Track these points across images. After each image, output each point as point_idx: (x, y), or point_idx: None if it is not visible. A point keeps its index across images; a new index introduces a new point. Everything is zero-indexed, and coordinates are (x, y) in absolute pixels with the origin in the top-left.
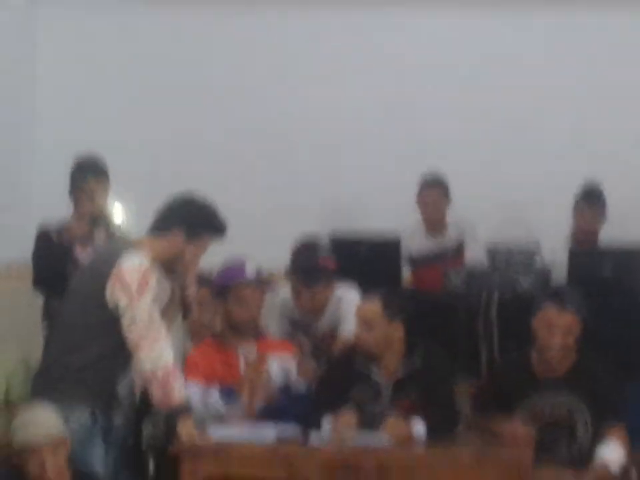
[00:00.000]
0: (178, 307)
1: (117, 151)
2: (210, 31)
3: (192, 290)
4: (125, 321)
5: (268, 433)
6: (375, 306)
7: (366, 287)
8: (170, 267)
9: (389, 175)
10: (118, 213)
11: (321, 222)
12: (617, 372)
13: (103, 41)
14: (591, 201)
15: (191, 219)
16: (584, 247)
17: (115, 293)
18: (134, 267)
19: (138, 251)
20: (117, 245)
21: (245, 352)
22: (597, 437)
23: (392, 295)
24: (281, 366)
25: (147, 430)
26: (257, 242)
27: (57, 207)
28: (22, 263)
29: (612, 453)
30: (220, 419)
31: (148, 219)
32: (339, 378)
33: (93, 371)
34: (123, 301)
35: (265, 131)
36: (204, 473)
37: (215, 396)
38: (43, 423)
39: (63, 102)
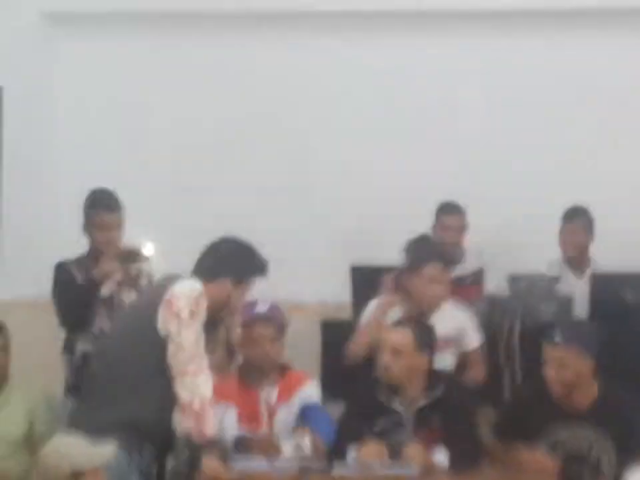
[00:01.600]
0: (223, 350)
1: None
2: (223, 53)
3: (237, 332)
4: (172, 347)
5: (290, 463)
6: (406, 335)
7: None
8: (216, 311)
9: (403, 203)
10: (147, 251)
11: (341, 252)
12: None
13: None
14: (571, 216)
15: (238, 267)
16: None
17: (166, 319)
18: (186, 292)
19: (190, 279)
20: (168, 277)
21: (266, 396)
22: (622, 473)
23: (422, 325)
24: (301, 401)
25: (171, 464)
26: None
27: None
28: (44, 297)
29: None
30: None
31: (175, 256)
32: (362, 408)
33: (147, 413)
34: (173, 327)
35: (285, 163)
36: None
37: (232, 418)
38: (80, 451)
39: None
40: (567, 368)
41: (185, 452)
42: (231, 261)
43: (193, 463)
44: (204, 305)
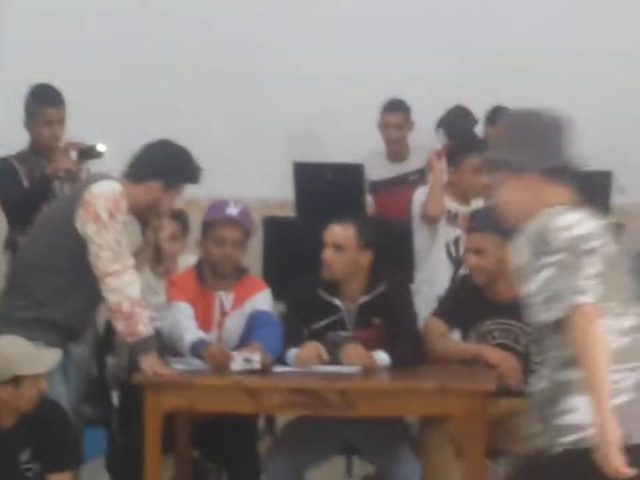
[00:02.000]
0: (149, 252)
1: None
2: None
3: (165, 233)
4: (93, 249)
5: (232, 365)
6: (348, 231)
7: (330, 212)
8: (143, 214)
9: (348, 102)
10: (101, 148)
11: (284, 150)
12: None
13: None
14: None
15: (169, 171)
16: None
17: (84, 220)
18: (105, 193)
19: (111, 179)
20: (93, 176)
21: (222, 300)
22: None
23: (365, 221)
24: (252, 309)
25: (111, 362)
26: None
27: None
28: None
29: None
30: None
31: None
32: (303, 306)
33: (55, 304)
34: (91, 228)
35: (229, 64)
36: (167, 406)
37: (189, 314)
38: (23, 357)
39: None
40: (485, 255)
41: (124, 351)
42: (163, 165)
43: (132, 363)
44: (123, 206)
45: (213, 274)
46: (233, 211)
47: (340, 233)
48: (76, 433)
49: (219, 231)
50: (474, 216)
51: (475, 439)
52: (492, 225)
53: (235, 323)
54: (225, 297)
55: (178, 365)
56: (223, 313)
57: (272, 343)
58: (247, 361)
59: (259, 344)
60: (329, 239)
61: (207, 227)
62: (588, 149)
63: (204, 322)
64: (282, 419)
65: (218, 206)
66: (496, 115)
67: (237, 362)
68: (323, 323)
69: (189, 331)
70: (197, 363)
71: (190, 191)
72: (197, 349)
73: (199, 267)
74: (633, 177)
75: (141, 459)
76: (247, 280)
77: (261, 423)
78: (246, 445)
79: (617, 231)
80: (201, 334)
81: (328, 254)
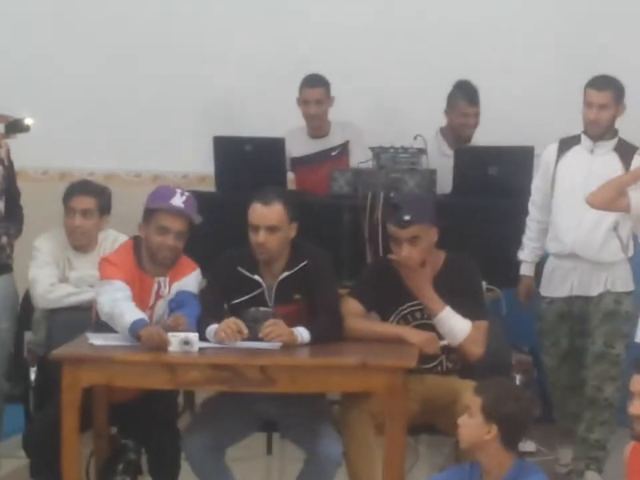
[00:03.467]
0: None
1: None
2: None
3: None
4: None
5: (170, 347)
6: (278, 210)
7: (250, 186)
8: None
9: (270, 77)
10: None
11: (204, 124)
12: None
13: None
14: (464, 93)
15: None
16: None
17: None
18: None
19: None
20: None
21: (161, 284)
22: None
23: (288, 195)
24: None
25: (28, 337)
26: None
27: None
28: None
29: (459, 324)
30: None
31: None
32: (223, 284)
33: None
34: None
35: (145, 39)
36: (85, 381)
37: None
38: None
39: None
40: (419, 244)
41: (42, 327)
42: None
43: (50, 337)
44: None
45: (151, 260)
46: (178, 201)
47: (271, 214)
48: None
49: (162, 220)
50: (405, 207)
51: (395, 415)
52: (425, 213)
53: (164, 306)
54: (163, 283)
55: (97, 340)
56: (158, 297)
57: (192, 316)
58: (186, 343)
59: (181, 316)
60: (259, 221)
61: (150, 213)
62: (511, 125)
63: (139, 304)
64: (201, 395)
65: (163, 194)
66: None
67: (175, 344)
68: (244, 298)
69: (131, 310)
70: (118, 339)
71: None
72: (136, 329)
73: (136, 249)
74: None
75: (58, 436)
76: (181, 263)
77: (180, 399)
78: (165, 421)
79: None
80: (142, 315)
81: (262, 237)
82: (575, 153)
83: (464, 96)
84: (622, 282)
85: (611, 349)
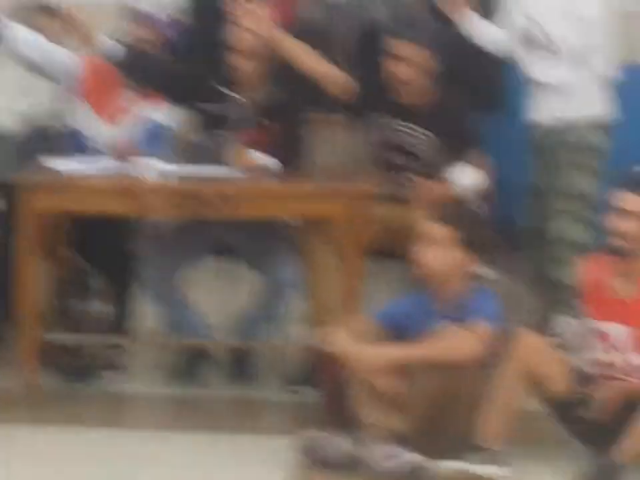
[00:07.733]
0: None
1: None
2: None
3: None
4: None
5: (109, 164)
6: None
7: None
8: None
9: None
10: None
11: None
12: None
13: None
14: None
15: None
16: None
17: None
18: None
19: None
20: None
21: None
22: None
23: None
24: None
25: None
26: None
27: None
28: None
29: (463, 174)
30: None
31: None
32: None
33: None
34: None
35: None
36: (42, 207)
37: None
38: None
39: None
40: (410, 65)
41: None
42: None
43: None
44: None
45: None
46: None
47: None
48: None
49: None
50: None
51: (353, 240)
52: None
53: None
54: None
55: (61, 166)
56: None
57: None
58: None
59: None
60: None
61: None
62: None
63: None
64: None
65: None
66: None
67: (153, 171)
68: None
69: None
70: (82, 164)
71: None
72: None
73: None
74: None
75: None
76: None
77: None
78: (121, 246)
79: None
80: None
81: None
82: None
83: None
84: None
85: None
